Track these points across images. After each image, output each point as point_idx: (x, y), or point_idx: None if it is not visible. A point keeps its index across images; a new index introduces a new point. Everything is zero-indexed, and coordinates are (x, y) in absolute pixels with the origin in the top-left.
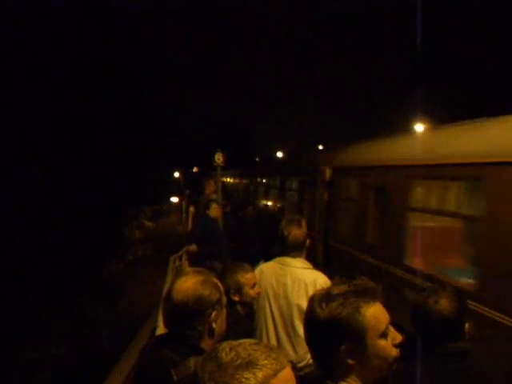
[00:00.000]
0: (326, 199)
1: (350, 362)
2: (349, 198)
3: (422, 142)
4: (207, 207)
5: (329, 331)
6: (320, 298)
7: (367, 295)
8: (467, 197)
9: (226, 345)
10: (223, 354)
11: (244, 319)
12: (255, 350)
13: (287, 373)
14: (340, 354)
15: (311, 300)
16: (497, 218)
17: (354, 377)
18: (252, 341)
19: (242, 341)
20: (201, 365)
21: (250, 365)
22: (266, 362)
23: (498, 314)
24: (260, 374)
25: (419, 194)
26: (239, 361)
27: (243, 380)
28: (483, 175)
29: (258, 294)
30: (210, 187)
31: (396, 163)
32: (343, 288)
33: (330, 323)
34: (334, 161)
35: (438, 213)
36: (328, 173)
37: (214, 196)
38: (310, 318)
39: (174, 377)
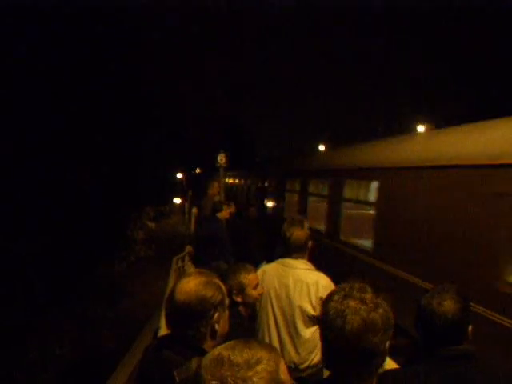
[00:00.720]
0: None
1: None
2: (275, 186)
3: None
4: (218, 209)
5: (387, 332)
6: (365, 304)
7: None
8: None
9: (229, 348)
10: (238, 357)
11: (246, 320)
12: (257, 348)
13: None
14: (386, 350)
15: (344, 308)
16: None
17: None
18: (242, 340)
19: (233, 343)
20: (213, 371)
21: (262, 358)
22: (271, 353)
23: (385, 265)
24: (275, 361)
25: (287, 184)
26: (254, 358)
27: (269, 367)
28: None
29: (261, 294)
30: (214, 188)
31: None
32: (367, 288)
33: (389, 324)
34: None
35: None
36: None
37: (217, 197)
38: (364, 326)
39: (176, 378)
